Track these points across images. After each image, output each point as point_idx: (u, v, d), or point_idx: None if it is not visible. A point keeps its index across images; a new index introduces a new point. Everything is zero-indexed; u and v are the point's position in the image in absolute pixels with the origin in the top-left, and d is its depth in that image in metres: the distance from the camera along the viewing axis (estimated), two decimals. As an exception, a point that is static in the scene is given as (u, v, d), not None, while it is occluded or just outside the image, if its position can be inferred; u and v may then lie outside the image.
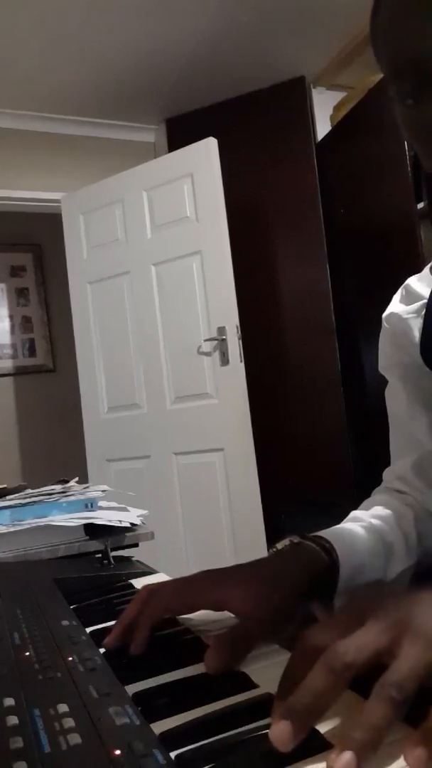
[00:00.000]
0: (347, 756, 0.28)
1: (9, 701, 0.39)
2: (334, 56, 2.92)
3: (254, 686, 0.41)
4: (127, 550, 1.02)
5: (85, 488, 1.19)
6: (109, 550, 0.89)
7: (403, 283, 0.76)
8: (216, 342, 2.68)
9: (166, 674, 0.44)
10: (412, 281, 0.75)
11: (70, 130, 3.23)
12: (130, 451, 2.91)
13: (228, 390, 2.68)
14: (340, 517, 0.70)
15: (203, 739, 0.34)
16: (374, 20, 0.55)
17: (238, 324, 2.65)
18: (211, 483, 2.71)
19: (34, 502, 1.10)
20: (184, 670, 0.44)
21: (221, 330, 2.66)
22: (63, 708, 0.38)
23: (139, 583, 0.73)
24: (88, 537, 1.04)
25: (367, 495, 0.78)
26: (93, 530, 1.04)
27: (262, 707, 0.36)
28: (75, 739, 0.34)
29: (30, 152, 3.16)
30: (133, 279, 2.90)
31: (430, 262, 0.76)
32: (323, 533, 0.61)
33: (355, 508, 0.73)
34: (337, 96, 3.07)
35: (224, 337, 2.65)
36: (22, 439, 4.02)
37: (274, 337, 3.03)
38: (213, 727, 0.35)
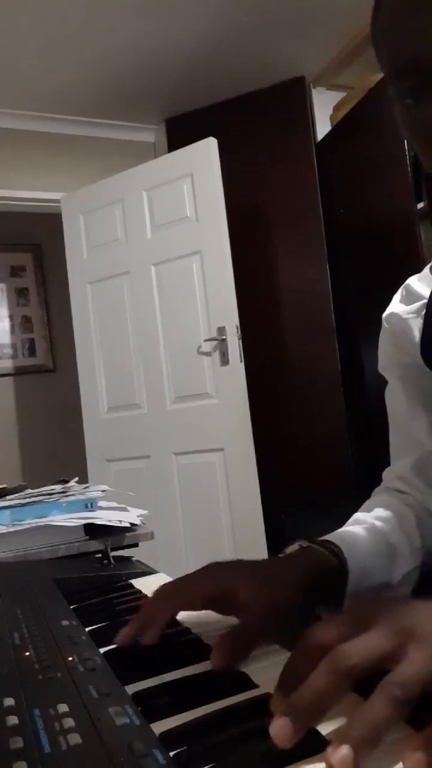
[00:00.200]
0: (344, 750, 0.28)
1: (9, 701, 0.39)
2: (334, 56, 2.92)
3: (254, 686, 0.41)
4: (127, 550, 1.02)
5: (85, 488, 1.19)
6: (109, 550, 0.89)
7: (403, 283, 0.76)
8: (216, 342, 2.68)
9: (166, 674, 0.44)
10: (412, 281, 0.75)
11: (70, 130, 3.23)
12: (130, 451, 2.91)
13: (228, 390, 2.68)
14: (340, 517, 0.70)
15: (203, 739, 0.34)
16: (375, 20, 0.56)
17: (238, 324, 2.65)
18: (211, 483, 2.71)
19: (34, 502, 1.10)
20: (184, 670, 0.44)
21: (221, 330, 2.66)
22: (63, 708, 0.38)
23: (138, 583, 0.73)
24: (88, 537, 1.04)
25: (367, 495, 0.78)
26: (93, 530, 1.04)
27: (262, 707, 0.36)
28: (75, 739, 0.34)
29: (30, 152, 3.16)
30: (133, 279, 2.90)
31: (430, 262, 0.76)
32: (330, 537, 0.61)
33: (355, 508, 0.73)
34: (337, 96, 3.07)
35: (224, 337, 2.65)
36: (22, 439, 4.02)
37: (274, 337, 3.03)
38: (213, 727, 0.35)
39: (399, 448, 0.77)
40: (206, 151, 2.71)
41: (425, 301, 0.70)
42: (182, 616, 0.57)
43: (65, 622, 0.56)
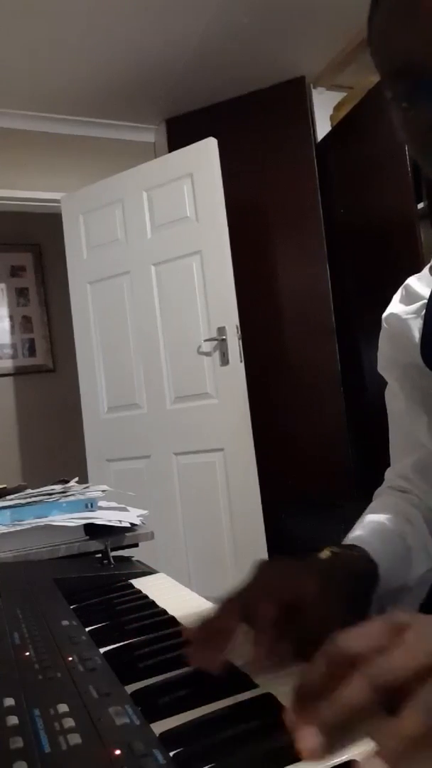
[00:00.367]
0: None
1: (9, 701, 0.39)
2: (334, 56, 2.92)
3: (254, 686, 0.41)
4: (127, 550, 1.02)
5: (85, 488, 1.19)
6: (109, 550, 0.89)
7: (403, 283, 0.76)
8: (216, 342, 2.68)
9: (166, 674, 0.44)
10: (412, 281, 0.75)
11: (70, 130, 3.23)
12: (130, 451, 2.91)
13: (228, 390, 2.68)
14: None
15: (203, 739, 0.34)
16: (370, 23, 0.56)
17: (238, 324, 2.65)
18: (211, 483, 2.71)
19: (34, 502, 1.10)
20: (184, 670, 0.44)
21: (221, 330, 2.66)
22: (63, 708, 0.38)
23: (138, 583, 0.73)
24: (88, 537, 1.04)
25: (367, 495, 0.78)
26: (93, 530, 1.04)
27: (262, 707, 0.36)
28: (75, 739, 0.34)
29: (30, 152, 3.16)
30: (133, 279, 2.90)
31: (430, 262, 0.76)
32: (352, 541, 0.61)
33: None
34: (337, 96, 3.07)
35: (224, 337, 2.65)
36: (22, 439, 4.02)
37: (274, 337, 3.03)
38: (213, 726, 0.35)
39: (399, 449, 0.77)
40: (206, 151, 2.71)
41: (425, 301, 0.70)
42: (179, 614, 0.57)
43: (65, 622, 0.56)
